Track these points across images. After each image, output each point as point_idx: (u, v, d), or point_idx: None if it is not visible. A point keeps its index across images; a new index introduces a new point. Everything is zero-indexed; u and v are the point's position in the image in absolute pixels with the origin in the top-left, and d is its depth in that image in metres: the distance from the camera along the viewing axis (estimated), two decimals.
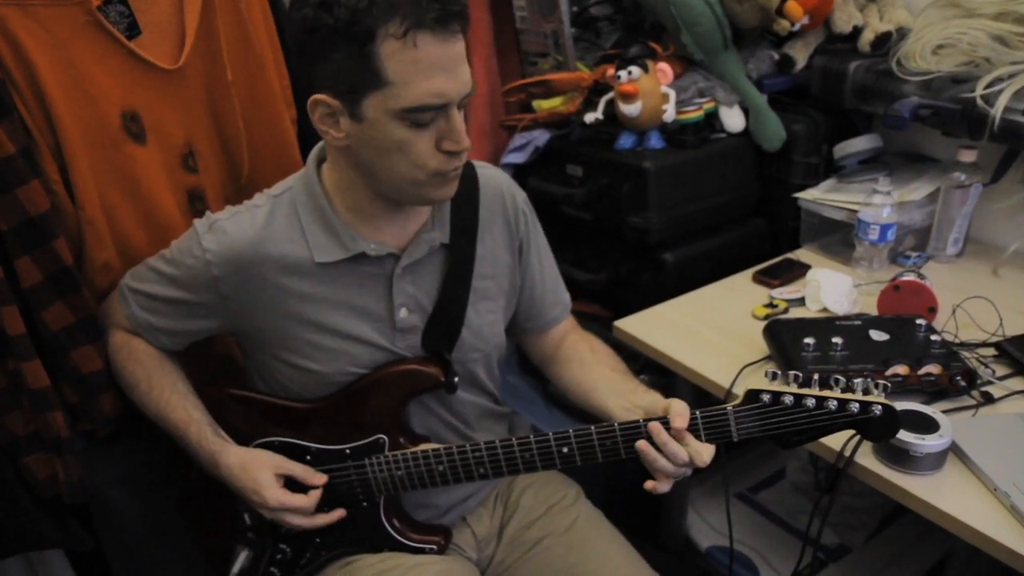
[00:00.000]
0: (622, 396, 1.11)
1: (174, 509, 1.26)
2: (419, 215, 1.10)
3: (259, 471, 1.07)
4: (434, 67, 0.89)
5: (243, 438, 1.14)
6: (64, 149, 1.09)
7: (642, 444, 0.98)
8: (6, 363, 1.11)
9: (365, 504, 1.14)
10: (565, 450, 1.02)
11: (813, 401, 0.94)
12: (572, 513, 1.23)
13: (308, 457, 1.13)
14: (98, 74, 1.10)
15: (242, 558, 1.15)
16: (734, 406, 0.97)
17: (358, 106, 0.93)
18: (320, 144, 1.08)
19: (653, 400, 1.06)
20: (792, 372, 0.96)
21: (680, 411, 0.98)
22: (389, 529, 1.15)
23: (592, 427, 1.01)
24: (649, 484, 1.00)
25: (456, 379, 1.12)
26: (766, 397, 0.95)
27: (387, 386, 1.11)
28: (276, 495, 1.06)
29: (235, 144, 1.32)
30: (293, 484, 1.09)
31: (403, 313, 1.10)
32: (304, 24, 0.90)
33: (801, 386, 0.95)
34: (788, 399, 0.94)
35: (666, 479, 0.99)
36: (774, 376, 0.97)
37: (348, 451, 1.12)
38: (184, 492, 1.24)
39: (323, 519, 1.10)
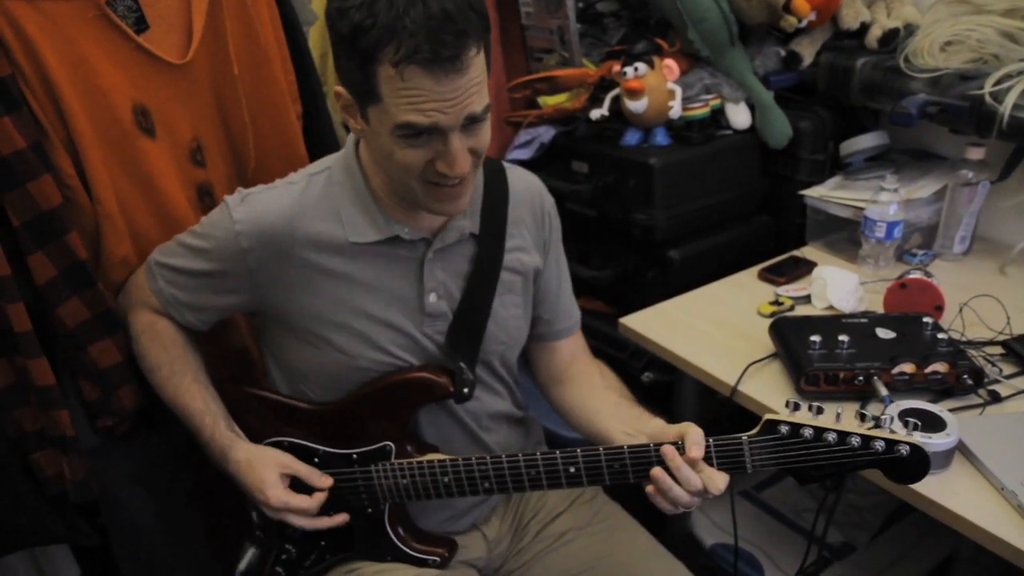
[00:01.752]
0: (625, 422, 1.10)
1: (184, 507, 1.26)
2: None
3: (265, 469, 1.07)
4: (424, 99, 0.88)
5: (254, 436, 1.14)
6: (77, 143, 1.09)
7: (657, 471, 0.95)
8: (14, 359, 1.11)
9: (370, 511, 1.14)
10: (572, 470, 1.01)
11: (835, 436, 0.89)
12: (594, 506, 1.24)
13: (316, 459, 1.12)
14: (107, 68, 1.10)
15: (249, 555, 1.15)
16: (750, 436, 0.93)
17: (364, 111, 0.94)
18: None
19: (659, 427, 1.04)
20: (816, 404, 0.91)
21: (696, 439, 0.95)
22: (393, 538, 1.15)
23: (600, 448, 0.99)
24: (651, 488, 0.98)
25: (467, 390, 1.11)
26: (784, 429, 0.91)
27: (397, 393, 1.10)
28: (279, 494, 1.06)
29: (241, 139, 1.32)
30: (299, 485, 1.09)
31: (432, 298, 1.09)
32: (328, 19, 0.92)
33: (819, 414, 0.91)
34: (808, 432, 0.90)
35: (673, 508, 0.97)
36: (795, 407, 0.92)
37: (355, 456, 1.11)
38: (195, 487, 1.24)
39: (326, 522, 1.09)
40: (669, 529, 1.72)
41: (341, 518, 1.11)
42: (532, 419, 1.32)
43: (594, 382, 1.21)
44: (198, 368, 1.16)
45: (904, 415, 1.04)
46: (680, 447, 0.95)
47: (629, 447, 0.98)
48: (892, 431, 0.90)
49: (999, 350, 1.25)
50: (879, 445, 0.88)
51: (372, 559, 1.16)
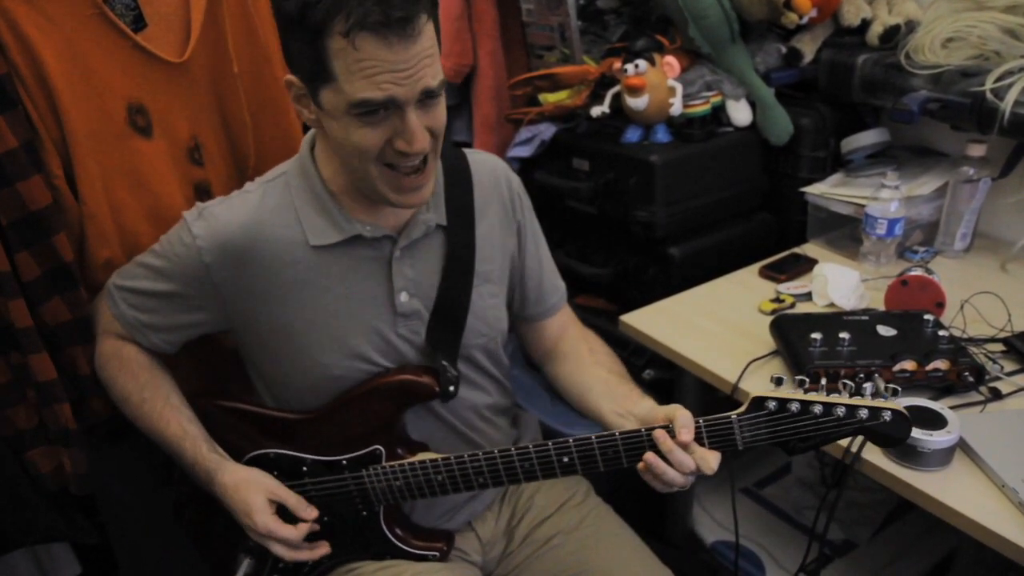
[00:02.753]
0: (615, 401, 1.09)
1: (175, 512, 1.25)
2: None
3: (252, 494, 1.05)
4: (378, 69, 0.87)
5: (237, 450, 1.11)
6: (70, 143, 1.08)
7: (650, 456, 0.95)
8: (9, 357, 1.11)
9: (365, 513, 1.13)
10: (565, 459, 1.01)
11: (820, 408, 0.91)
12: (583, 510, 1.23)
13: (304, 468, 1.11)
14: (104, 67, 1.10)
15: (245, 565, 1.13)
16: (738, 414, 0.94)
17: (317, 95, 0.93)
18: (313, 131, 1.07)
19: (648, 408, 1.04)
20: (799, 377, 0.93)
21: (685, 422, 0.95)
22: (390, 537, 1.14)
23: (593, 436, 0.99)
24: (642, 466, 0.98)
25: (452, 388, 1.10)
26: (772, 404, 0.92)
27: (381, 397, 1.09)
28: (266, 521, 1.04)
29: (241, 137, 1.31)
30: (285, 512, 1.07)
31: (403, 297, 1.08)
32: (274, 6, 0.93)
33: (807, 391, 0.93)
34: (794, 406, 0.92)
35: (667, 488, 0.97)
36: (779, 382, 0.94)
37: (344, 462, 1.10)
38: (180, 498, 1.23)
39: (307, 554, 1.08)
40: (670, 527, 1.72)
41: (322, 550, 1.10)
42: (526, 414, 1.32)
43: (582, 357, 1.20)
44: (170, 390, 1.13)
45: None
46: (671, 430, 0.96)
47: (621, 434, 0.98)
48: (874, 397, 0.91)
49: (1000, 347, 1.25)
50: (863, 413, 0.90)
51: (371, 558, 1.15)
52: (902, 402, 1.06)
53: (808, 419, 0.92)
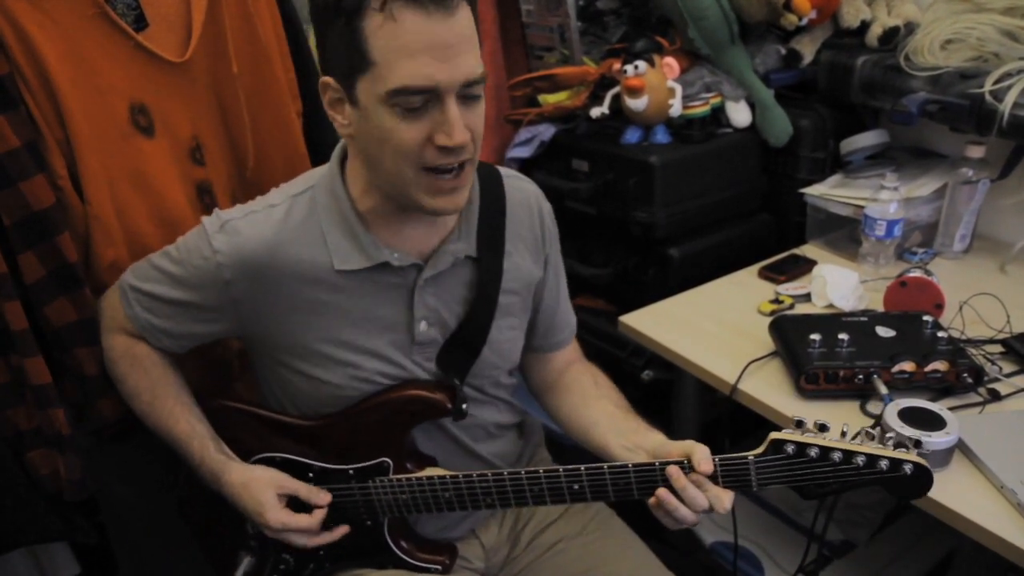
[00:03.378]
0: (623, 435, 1.07)
1: (178, 505, 1.25)
2: (443, 224, 1.05)
3: (261, 491, 1.04)
4: (419, 46, 0.83)
5: (243, 452, 1.11)
6: (73, 142, 1.08)
7: (663, 492, 0.94)
8: (9, 358, 1.11)
9: (369, 523, 1.12)
10: (576, 487, 0.99)
11: (840, 455, 0.89)
12: (587, 515, 1.21)
13: (311, 475, 1.10)
14: (106, 67, 1.10)
15: (245, 564, 1.13)
16: (756, 455, 0.92)
17: (353, 90, 0.89)
18: (344, 141, 1.04)
19: (659, 442, 1.02)
20: (819, 421, 0.91)
21: (705, 455, 0.93)
22: (393, 547, 1.13)
23: (605, 466, 0.98)
24: (654, 501, 0.96)
25: (464, 406, 1.08)
26: (790, 448, 0.90)
27: (393, 410, 1.07)
28: (278, 516, 1.03)
29: (240, 137, 1.31)
30: (296, 503, 1.07)
31: (423, 327, 1.05)
32: (311, 7, 0.91)
33: (828, 435, 0.90)
34: (814, 452, 0.90)
35: (677, 525, 0.96)
36: (799, 424, 0.92)
37: (351, 472, 1.09)
38: (184, 497, 1.23)
39: (327, 537, 1.07)
40: (669, 528, 1.72)
41: (342, 531, 1.09)
42: (532, 421, 1.31)
43: (587, 391, 1.18)
44: (180, 389, 1.12)
45: (904, 414, 1.04)
46: (685, 466, 0.94)
47: (634, 466, 0.96)
48: (896, 447, 0.89)
49: (999, 348, 1.25)
50: (884, 465, 0.88)
51: (372, 566, 1.14)
52: (901, 403, 1.07)
53: (826, 465, 0.90)
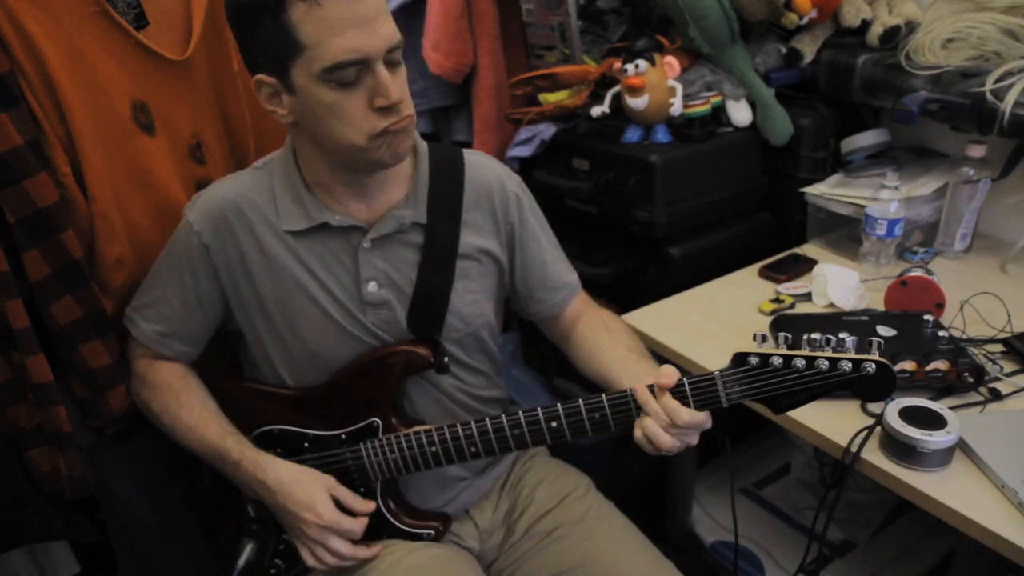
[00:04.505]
0: (635, 378, 1.08)
1: (181, 504, 1.26)
2: (391, 192, 1.11)
3: (314, 488, 1.08)
4: (344, 23, 0.91)
5: (242, 428, 1.14)
6: (75, 140, 1.09)
7: (639, 434, 0.98)
8: (10, 356, 1.11)
9: (362, 490, 1.15)
10: (554, 424, 1.02)
11: (803, 362, 0.91)
12: (585, 503, 1.24)
13: (306, 444, 1.14)
14: (107, 65, 1.10)
15: (248, 551, 1.15)
16: (721, 370, 0.95)
17: (288, 78, 0.96)
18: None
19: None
20: (782, 334, 0.94)
21: (667, 371, 0.98)
22: (386, 514, 1.16)
23: (580, 400, 1.01)
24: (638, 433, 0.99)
25: (446, 359, 1.13)
26: (754, 360, 0.93)
27: (377, 368, 1.12)
28: (332, 512, 1.07)
29: (241, 134, 1.32)
30: (339, 508, 1.10)
31: (371, 287, 1.11)
32: (231, 10, 0.96)
33: (791, 348, 0.93)
34: (777, 360, 0.92)
35: (655, 450, 0.98)
36: (763, 339, 0.95)
37: (344, 436, 1.13)
38: (190, 490, 1.24)
39: (364, 552, 1.10)
40: (669, 527, 1.72)
41: (376, 550, 1.11)
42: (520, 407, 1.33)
43: (600, 339, 1.21)
44: (205, 396, 1.17)
45: (905, 414, 1.04)
46: (654, 390, 0.98)
47: (608, 395, 1.00)
48: (858, 351, 0.91)
49: (1000, 348, 1.25)
50: (846, 366, 0.90)
51: (368, 538, 1.16)
52: (902, 403, 1.06)
53: (791, 373, 0.92)
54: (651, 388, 0.98)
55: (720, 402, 0.96)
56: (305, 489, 1.08)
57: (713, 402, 0.97)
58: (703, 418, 0.97)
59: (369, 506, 1.11)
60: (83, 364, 1.16)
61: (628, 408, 0.99)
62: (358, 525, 1.09)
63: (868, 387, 0.91)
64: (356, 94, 0.95)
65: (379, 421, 1.12)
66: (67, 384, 1.20)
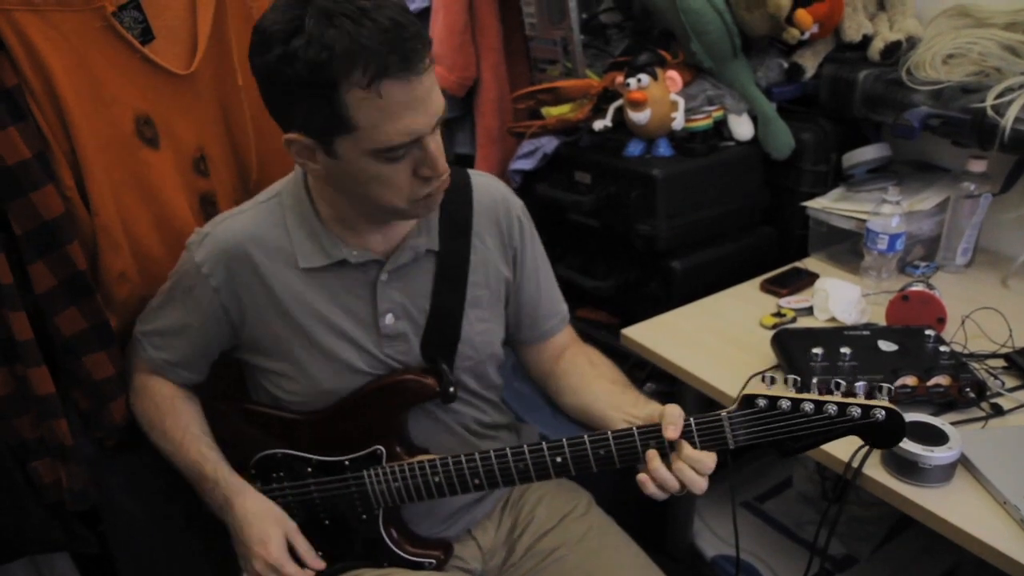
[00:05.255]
0: (620, 409, 1.10)
1: (182, 516, 1.26)
2: (405, 223, 1.10)
3: (272, 525, 1.08)
4: (400, 108, 0.89)
5: (245, 450, 1.14)
6: (79, 154, 1.09)
7: (642, 477, 0.96)
8: (14, 367, 1.11)
9: (364, 517, 1.14)
10: (559, 460, 1.01)
11: (811, 406, 0.90)
12: (586, 522, 1.23)
13: (309, 469, 1.13)
14: (112, 79, 1.11)
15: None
16: (729, 411, 0.94)
17: (331, 146, 0.93)
18: None
19: (652, 411, 1.04)
20: (792, 376, 0.93)
21: (673, 420, 0.96)
22: (388, 542, 1.15)
23: (586, 436, 1.00)
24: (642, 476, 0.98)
25: (452, 388, 1.12)
26: (762, 402, 0.92)
27: (384, 397, 1.11)
28: (280, 554, 1.06)
29: (244, 148, 1.32)
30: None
31: (388, 319, 1.10)
32: (265, 72, 0.91)
33: (800, 391, 0.92)
34: (785, 404, 0.91)
35: (662, 494, 0.97)
36: (772, 381, 0.94)
37: (347, 463, 1.12)
38: (191, 501, 1.24)
39: None
40: (670, 541, 1.72)
41: None
42: (527, 428, 1.33)
43: (584, 372, 1.20)
44: (190, 420, 1.16)
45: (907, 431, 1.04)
46: (666, 446, 0.96)
47: (613, 433, 0.99)
48: (868, 397, 0.90)
49: (1001, 363, 1.25)
50: (855, 412, 0.89)
51: (369, 565, 1.16)
52: (899, 409, 1.06)
53: (799, 417, 0.91)
54: (654, 432, 0.97)
55: (727, 444, 0.95)
56: (264, 525, 1.07)
57: (719, 443, 0.95)
58: (712, 461, 0.96)
59: (319, 564, 1.10)
60: (87, 375, 1.17)
61: (634, 445, 0.98)
62: (301, 574, 1.07)
63: (877, 433, 0.90)
64: (403, 165, 0.94)
65: (383, 449, 1.11)
66: (70, 396, 1.20)
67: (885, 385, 0.91)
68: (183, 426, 1.15)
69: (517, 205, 1.21)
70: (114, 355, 1.18)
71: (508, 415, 1.29)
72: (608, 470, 1.01)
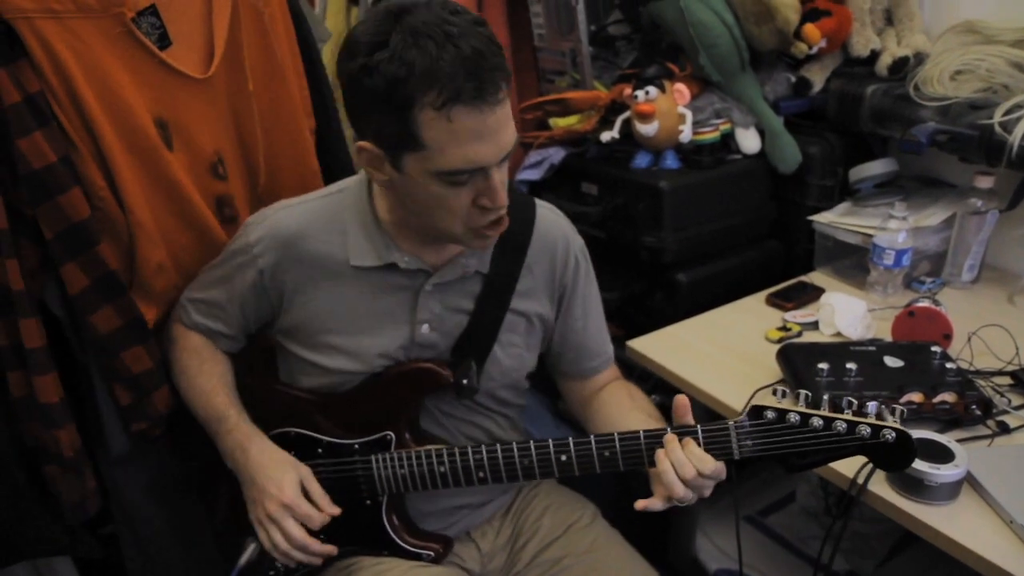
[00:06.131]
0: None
1: (195, 513, 1.26)
2: None
3: (287, 470, 1.09)
4: (470, 136, 0.90)
5: (261, 426, 1.15)
6: (106, 155, 1.11)
7: (660, 452, 0.96)
8: (27, 371, 1.12)
9: (368, 502, 1.15)
10: (563, 458, 1.02)
11: (820, 421, 0.89)
12: (591, 533, 1.23)
13: (320, 449, 1.15)
14: (131, 83, 1.12)
15: (250, 551, 1.14)
16: (736, 421, 0.94)
17: (399, 161, 0.95)
18: None
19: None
20: (803, 391, 0.93)
21: (683, 401, 0.96)
22: (388, 530, 1.15)
23: (592, 436, 1.01)
24: (640, 504, 0.97)
25: (465, 381, 1.12)
26: (770, 414, 0.91)
27: (400, 382, 1.12)
28: (295, 493, 1.07)
29: (254, 153, 1.33)
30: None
31: (424, 329, 1.11)
32: (347, 79, 0.93)
33: (810, 406, 0.92)
34: (794, 417, 0.90)
35: (667, 497, 0.96)
36: (783, 395, 0.93)
37: (357, 446, 1.13)
38: (204, 498, 1.25)
39: (316, 545, 1.08)
40: (673, 554, 1.72)
41: (329, 549, 1.10)
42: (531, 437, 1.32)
43: (623, 403, 1.19)
44: (225, 370, 1.20)
45: None
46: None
47: (619, 434, 0.99)
48: (878, 417, 0.89)
49: (1008, 380, 1.25)
50: (865, 431, 0.88)
51: (368, 552, 1.16)
52: (910, 432, 1.06)
53: (807, 432, 0.90)
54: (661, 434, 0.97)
55: (731, 454, 0.94)
56: (279, 467, 1.08)
57: (724, 453, 0.95)
58: (721, 468, 0.95)
59: (334, 510, 1.09)
60: (126, 370, 1.19)
61: (639, 448, 0.98)
62: (316, 514, 1.07)
63: (886, 455, 0.89)
64: (464, 191, 0.95)
65: (392, 435, 1.12)
66: (111, 392, 1.22)
67: (897, 407, 0.90)
68: (219, 373, 1.18)
69: (577, 244, 1.21)
70: (151, 348, 1.21)
71: (522, 431, 1.29)
72: (612, 471, 1.01)
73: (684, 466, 0.94)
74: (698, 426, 0.96)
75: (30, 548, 1.26)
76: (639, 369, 1.52)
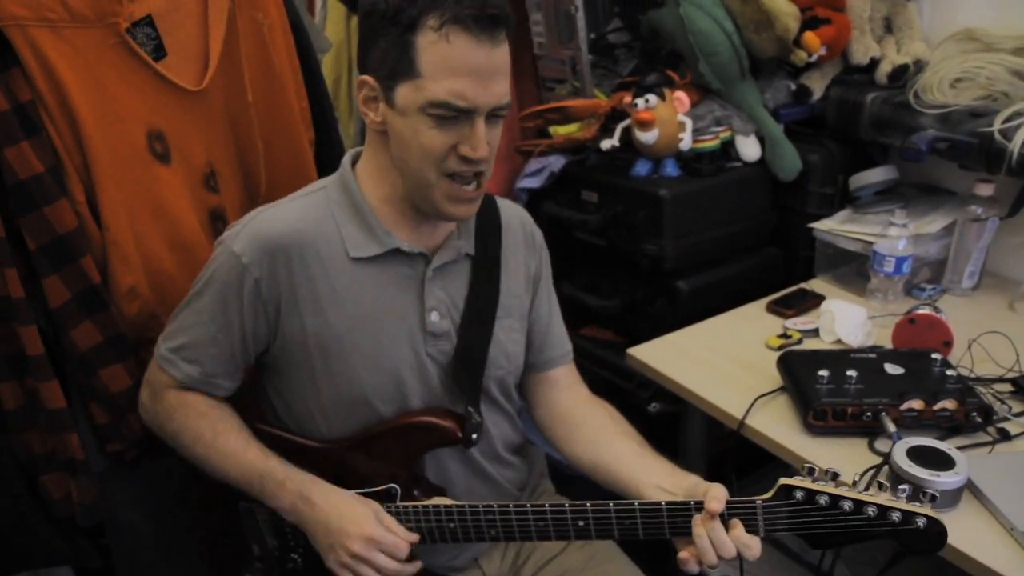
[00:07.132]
0: (653, 474, 1.06)
1: (186, 531, 1.25)
2: (446, 224, 1.11)
3: (359, 505, 1.04)
4: (463, 68, 0.93)
5: None
6: (92, 169, 1.10)
7: (698, 526, 0.93)
8: (24, 381, 1.12)
9: None
10: (581, 523, 0.99)
11: (851, 504, 0.87)
12: (590, 549, 1.21)
13: None
14: (125, 94, 1.12)
15: None
16: (764, 499, 0.92)
17: (392, 92, 0.97)
18: (353, 149, 1.12)
19: (691, 485, 1.00)
20: (831, 469, 0.90)
21: (717, 495, 0.93)
22: None
23: (611, 504, 0.97)
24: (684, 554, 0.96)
25: (474, 435, 1.09)
26: (799, 494, 0.89)
27: (403, 436, 1.08)
28: (378, 527, 1.02)
29: (254, 165, 1.33)
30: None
31: (434, 316, 1.09)
32: (364, 10, 0.97)
33: (839, 484, 0.89)
34: (824, 499, 0.88)
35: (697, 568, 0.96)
36: (811, 472, 0.91)
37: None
38: (195, 516, 1.23)
39: (410, 569, 1.04)
40: (672, 564, 1.71)
41: (418, 565, 1.06)
42: (533, 448, 1.31)
43: (606, 426, 1.17)
44: (240, 423, 1.11)
45: (912, 453, 1.04)
46: (690, 506, 0.95)
47: (640, 504, 0.97)
48: (910, 500, 0.88)
49: (1008, 387, 1.25)
50: (896, 517, 0.86)
51: None
52: (910, 442, 1.06)
53: (836, 515, 0.88)
54: (696, 505, 0.95)
55: (757, 531, 0.93)
56: (351, 506, 1.04)
57: (749, 530, 0.93)
58: (757, 542, 0.93)
59: (413, 537, 1.05)
60: (103, 389, 1.17)
61: (661, 521, 0.96)
62: (403, 543, 1.03)
63: (915, 540, 0.88)
64: (447, 133, 0.96)
65: (397, 488, 1.08)
66: (86, 411, 1.19)
67: (929, 491, 0.88)
68: (235, 428, 1.10)
69: (539, 234, 1.23)
70: (130, 366, 1.18)
71: (523, 433, 1.27)
72: (630, 539, 0.98)
73: (725, 547, 0.92)
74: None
75: (32, 558, 1.26)
76: (639, 377, 1.52)
